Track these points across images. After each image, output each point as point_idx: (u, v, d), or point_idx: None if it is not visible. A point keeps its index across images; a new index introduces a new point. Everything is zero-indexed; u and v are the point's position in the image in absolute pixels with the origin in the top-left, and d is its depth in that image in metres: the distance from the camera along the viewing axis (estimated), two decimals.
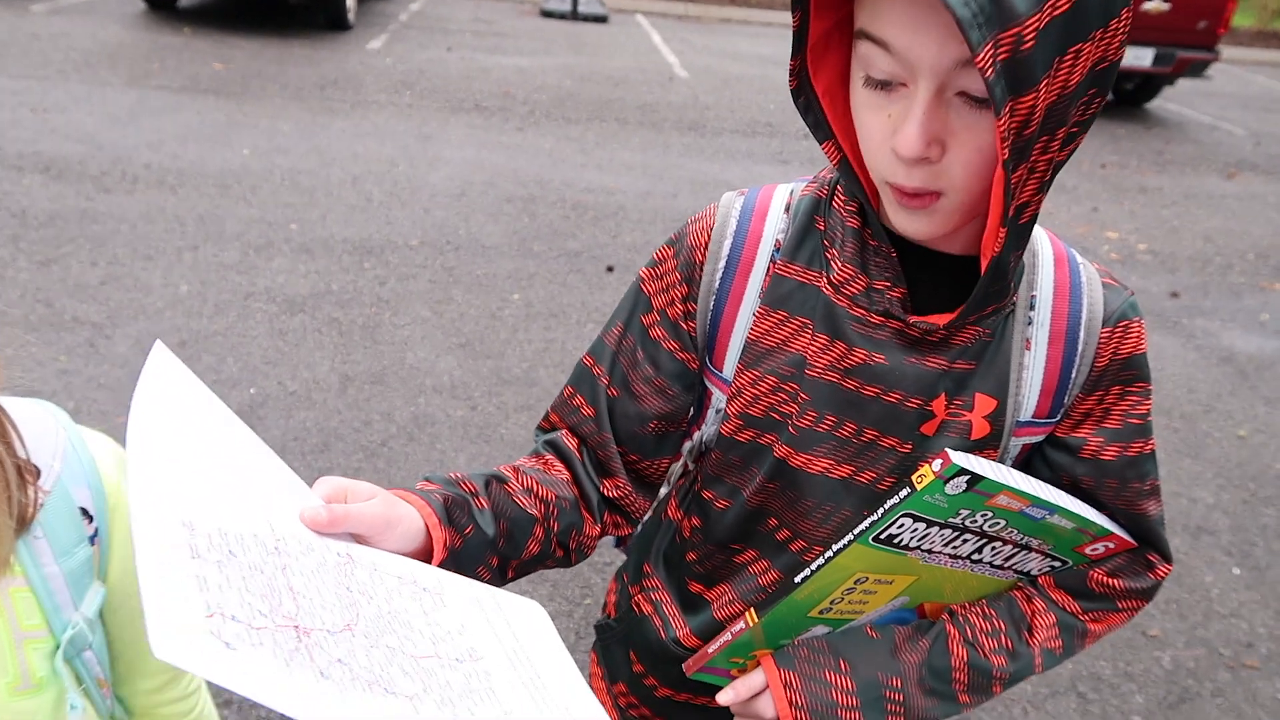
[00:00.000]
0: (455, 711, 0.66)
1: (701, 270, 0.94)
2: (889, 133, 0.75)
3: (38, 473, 0.81)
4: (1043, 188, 0.74)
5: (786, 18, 13.20)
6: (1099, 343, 0.89)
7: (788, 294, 0.90)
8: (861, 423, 0.90)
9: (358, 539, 0.77)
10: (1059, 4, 0.65)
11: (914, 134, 0.71)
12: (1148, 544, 0.96)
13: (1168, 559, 0.97)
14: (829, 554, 0.84)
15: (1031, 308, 0.89)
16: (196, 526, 0.64)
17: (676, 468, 1.04)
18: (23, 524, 0.79)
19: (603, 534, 1.01)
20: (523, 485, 0.93)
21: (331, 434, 3.20)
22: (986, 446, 0.89)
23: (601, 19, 12.06)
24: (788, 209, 0.93)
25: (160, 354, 0.73)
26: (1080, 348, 0.89)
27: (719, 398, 0.96)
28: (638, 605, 1.10)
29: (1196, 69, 9.11)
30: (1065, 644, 0.96)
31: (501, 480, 0.92)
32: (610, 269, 4.70)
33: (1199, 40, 8.89)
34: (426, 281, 4.39)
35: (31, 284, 3.90)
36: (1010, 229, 0.74)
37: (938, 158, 0.74)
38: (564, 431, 1.01)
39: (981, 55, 0.63)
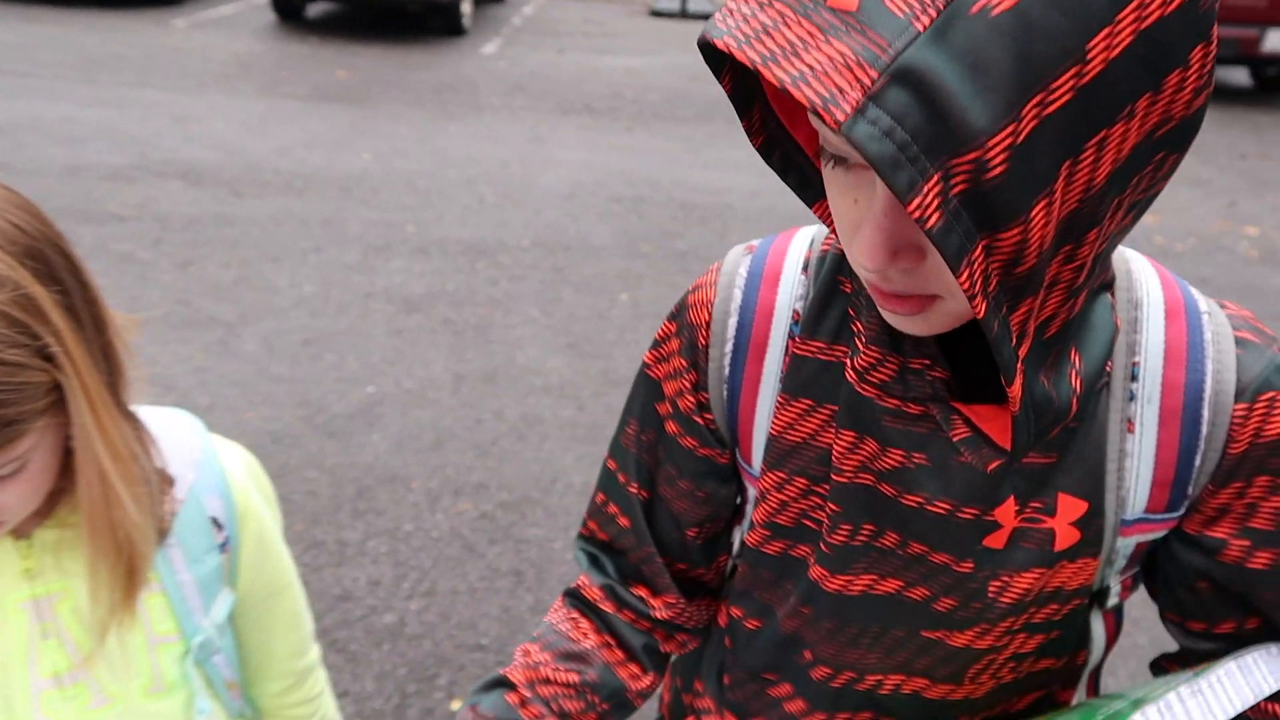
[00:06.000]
0: None
1: (707, 356, 0.77)
2: (856, 223, 0.57)
3: (172, 482, 0.86)
4: (1074, 293, 0.56)
5: None
6: (1231, 423, 0.66)
7: (811, 378, 0.72)
8: (905, 535, 0.71)
9: None
10: (1052, 95, 0.45)
11: (875, 243, 0.54)
12: None
13: None
14: None
15: (1134, 378, 0.67)
16: None
17: (729, 566, 0.89)
18: (160, 536, 0.84)
19: (668, 660, 0.90)
20: (552, 690, 0.83)
21: (445, 432, 3.30)
22: (1080, 556, 0.69)
23: (711, 17, 12.03)
24: (806, 267, 0.75)
25: None
26: (1205, 429, 0.67)
27: (755, 494, 0.80)
28: None
29: None
30: None
31: (529, 700, 0.83)
32: None
33: None
34: (537, 282, 4.47)
35: (172, 285, 4.15)
36: (1034, 352, 0.56)
37: (914, 263, 0.55)
38: (601, 552, 0.89)
39: (916, 202, 0.44)
